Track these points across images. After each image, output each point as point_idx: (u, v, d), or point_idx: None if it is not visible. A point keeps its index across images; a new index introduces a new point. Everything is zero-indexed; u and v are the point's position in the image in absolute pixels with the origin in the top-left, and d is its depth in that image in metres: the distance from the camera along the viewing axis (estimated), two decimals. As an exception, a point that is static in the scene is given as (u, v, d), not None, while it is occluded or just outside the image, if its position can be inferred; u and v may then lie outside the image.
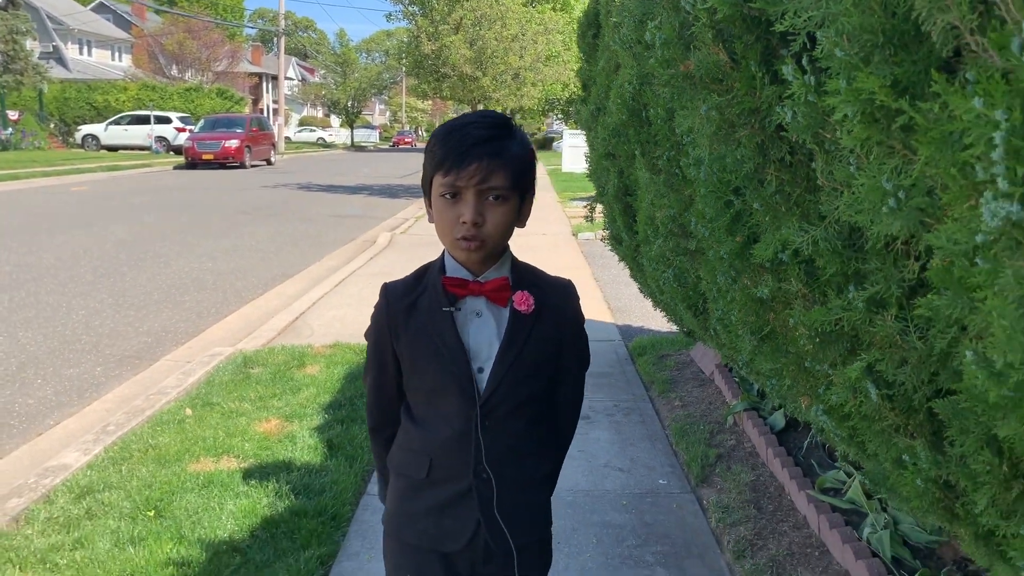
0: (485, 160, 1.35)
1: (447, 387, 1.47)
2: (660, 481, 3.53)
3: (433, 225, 1.45)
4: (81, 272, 8.38)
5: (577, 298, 1.58)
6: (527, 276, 1.51)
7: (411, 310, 1.49)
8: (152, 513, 3.11)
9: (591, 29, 4.65)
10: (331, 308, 6.96)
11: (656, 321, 6.03)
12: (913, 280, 1.17)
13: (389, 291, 1.54)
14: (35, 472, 3.53)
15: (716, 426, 4.03)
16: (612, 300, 7.35)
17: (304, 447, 3.78)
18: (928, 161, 0.96)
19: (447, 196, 1.38)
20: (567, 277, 1.60)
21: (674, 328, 5.39)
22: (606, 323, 6.49)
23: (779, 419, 3.81)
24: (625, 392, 4.74)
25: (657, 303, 4.04)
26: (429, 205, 1.46)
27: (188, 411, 4.25)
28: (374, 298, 1.56)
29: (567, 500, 3.28)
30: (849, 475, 3.19)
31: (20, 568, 2.74)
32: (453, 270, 1.47)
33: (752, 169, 1.43)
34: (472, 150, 1.35)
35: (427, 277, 1.51)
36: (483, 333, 1.48)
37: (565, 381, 1.61)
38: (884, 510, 2.93)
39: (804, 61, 1.17)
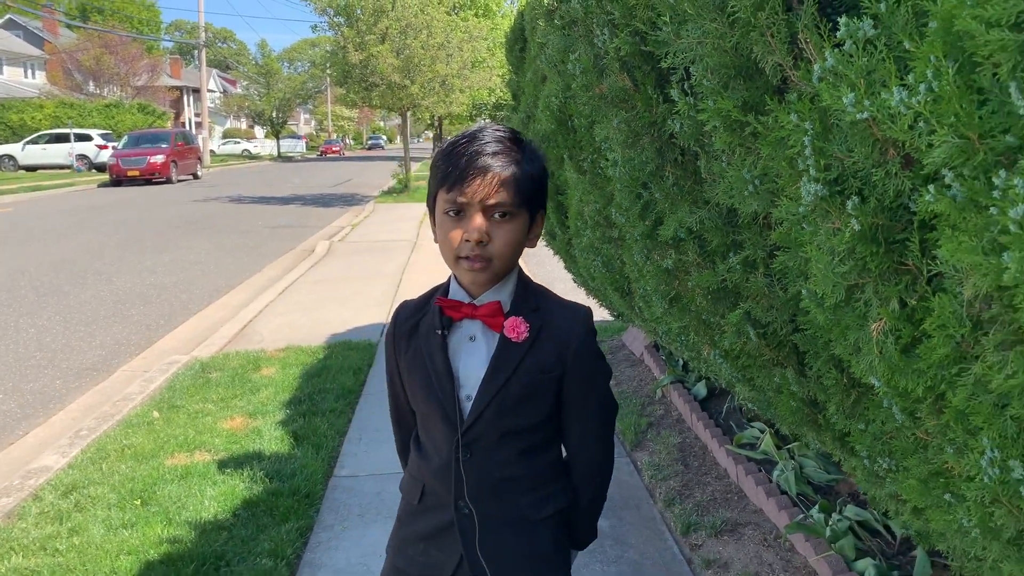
0: (490, 175, 1.29)
1: (435, 413, 1.43)
2: (599, 449, 3.93)
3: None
4: (22, 292, 8.43)
5: (590, 330, 1.45)
6: (531, 299, 1.42)
7: (413, 331, 1.47)
8: (139, 502, 3.38)
9: (518, 43, 5.05)
10: (277, 315, 7.19)
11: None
12: (772, 244, 1.57)
13: (400, 310, 1.52)
14: (18, 475, 3.75)
15: (646, 399, 4.46)
16: (548, 295, 7.75)
17: (271, 439, 4.07)
18: (768, 157, 1.37)
19: (451, 213, 1.32)
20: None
21: (607, 317, 5.82)
22: (543, 316, 6.88)
23: (701, 389, 4.26)
24: (564, 376, 5.13)
25: (589, 290, 4.45)
26: (434, 223, 1.40)
27: (156, 414, 4.50)
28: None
29: (517, 469, 3.65)
30: (762, 431, 3.64)
31: (23, 555, 2.99)
32: (454, 292, 1.43)
33: (654, 168, 1.84)
34: (476, 165, 1.29)
35: (433, 299, 1.47)
36: (474, 359, 1.41)
37: (579, 423, 1.48)
38: (792, 458, 3.38)
39: (685, 87, 1.57)
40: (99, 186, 26.19)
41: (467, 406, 1.41)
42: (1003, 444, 1.13)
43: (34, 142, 33.33)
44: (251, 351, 5.82)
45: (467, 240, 1.31)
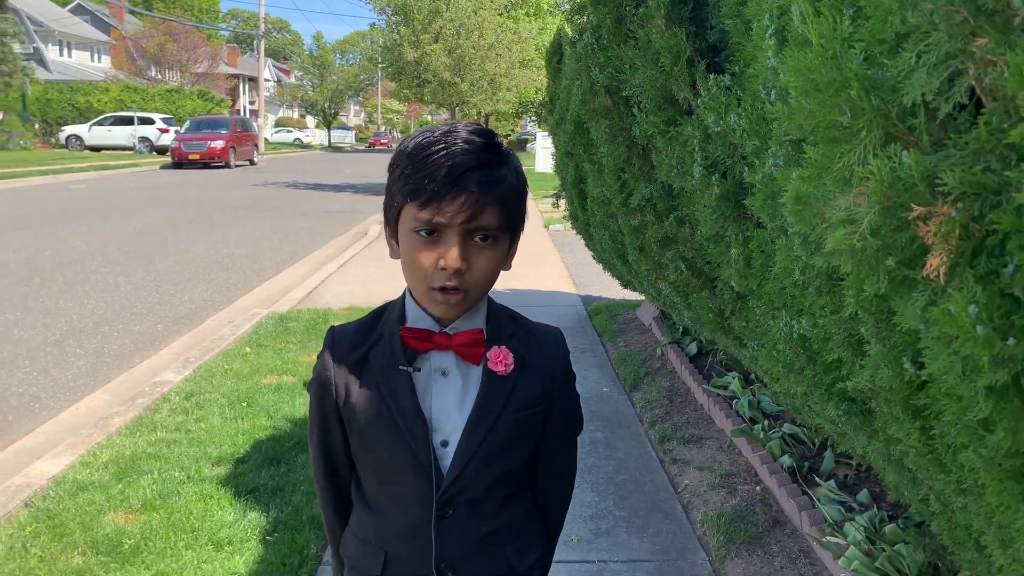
0: (475, 193, 1.08)
1: (402, 465, 1.21)
2: (603, 389, 4.88)
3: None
4: (114, 256, 9.60)
5: (567, 350, 1.31)
6: (507, 325, 1.25)
7: (361, 366, 1.23)
8: (245, 404, 4.41)
9: (556, 55, 6.01)
10: (339, 284, 8.23)
11: (610, 292, 7.40)
12: (695, 207, 2.51)
13: (336, 339, 1.28)
14: (146, 385, 4.81)
15: (648, 356, 5.40)
16: (577, 278, 8.71)
17: (341, 370, 5.08)
18: (679, 152, 2.31)
19: (422, 233, 1.11)
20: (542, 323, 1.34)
21: (624, 296, 6.77)
22: (572, 294, 7.85)
23: (693, 348, 5.18)
24: (583, 339, 6.08)
25: (603, 263, 5.40)
26: (392, 237, 1.19)
27: (247, 349, 5.54)
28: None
29: (536, 399, 4.61)
30: (734, 378, 4.55)
31: (165, 432, 4.03)
32: (416, 318, 1.21)
33: (626, 158, 2.78)
34: (459, 179, 1.07)
35: (383, 323, 1.25)
36: (449, 398, 1.21)
37: (552, 449, 1.32)
38: (753, 395, 4.29)
39: (640, 106, 2.52)
40: (161, 168, 27.70)
41: (443, 453, 1.21)
42: (787, 310, 2.07)
43: (100, 124, 35.07)
44: (320, 308, 6.86)
45: (443, 268, 1.11)
